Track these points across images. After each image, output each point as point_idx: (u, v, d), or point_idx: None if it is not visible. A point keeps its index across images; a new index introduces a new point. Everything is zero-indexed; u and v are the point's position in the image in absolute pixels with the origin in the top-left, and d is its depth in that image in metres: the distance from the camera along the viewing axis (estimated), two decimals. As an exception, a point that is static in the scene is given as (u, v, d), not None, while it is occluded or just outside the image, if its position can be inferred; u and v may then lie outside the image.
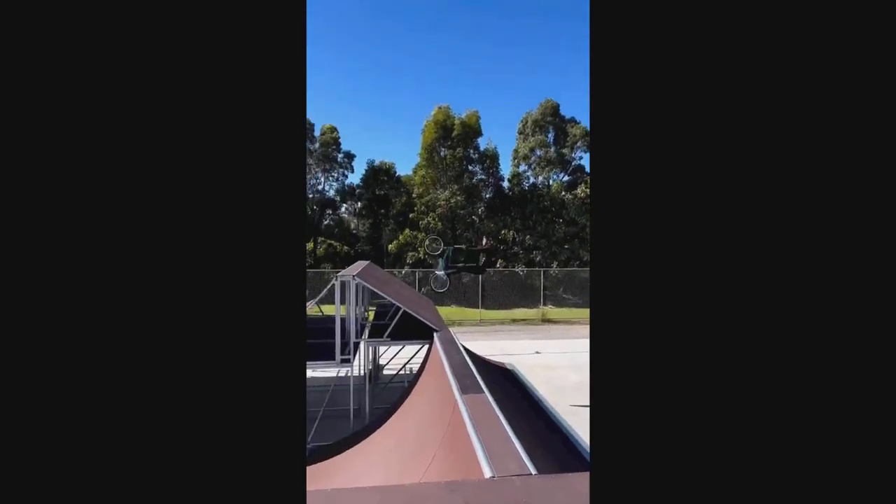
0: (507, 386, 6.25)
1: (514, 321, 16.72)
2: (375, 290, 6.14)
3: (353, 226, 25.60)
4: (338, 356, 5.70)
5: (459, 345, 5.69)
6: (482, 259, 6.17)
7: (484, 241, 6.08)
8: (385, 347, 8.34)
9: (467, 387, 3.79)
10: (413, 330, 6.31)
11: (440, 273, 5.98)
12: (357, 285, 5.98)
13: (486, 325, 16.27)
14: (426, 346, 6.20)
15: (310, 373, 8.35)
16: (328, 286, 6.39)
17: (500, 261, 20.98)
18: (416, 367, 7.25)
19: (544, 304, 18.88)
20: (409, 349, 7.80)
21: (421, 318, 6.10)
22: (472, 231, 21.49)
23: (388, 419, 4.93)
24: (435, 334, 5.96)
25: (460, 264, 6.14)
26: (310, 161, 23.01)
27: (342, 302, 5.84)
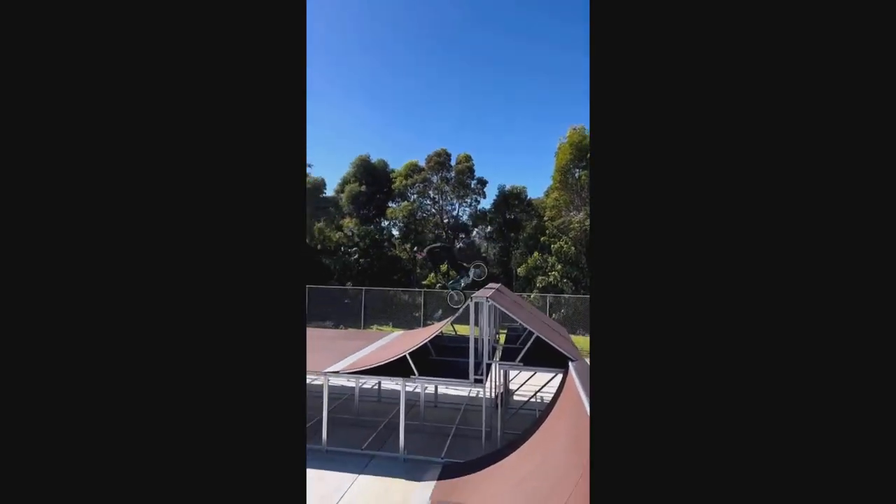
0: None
1: (661, 358, 14.80)
2: (508, 312, 6.16)
3: (483, 249, 26.30)
4: (471, 375, 5.85)
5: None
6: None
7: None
8: (516, 372, 8.24)
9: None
10: (546, 357, 6.11)
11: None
12: (490, 307, 6.10)
13: (625, 359, 14.76)
14: (559, 376, 5.93)
15: (443, 389, 8.72)
16: (463, 305, 6.68)
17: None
18: (546, 397, 6.97)
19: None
20: (540, 377, 7.55)
21: (555, 346, 5.88)
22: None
23: (520, 446, 4.82)
24: (570, 363, 5.67)
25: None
26: (446, 188, 24.66)
27: (476, 323, 6.02)
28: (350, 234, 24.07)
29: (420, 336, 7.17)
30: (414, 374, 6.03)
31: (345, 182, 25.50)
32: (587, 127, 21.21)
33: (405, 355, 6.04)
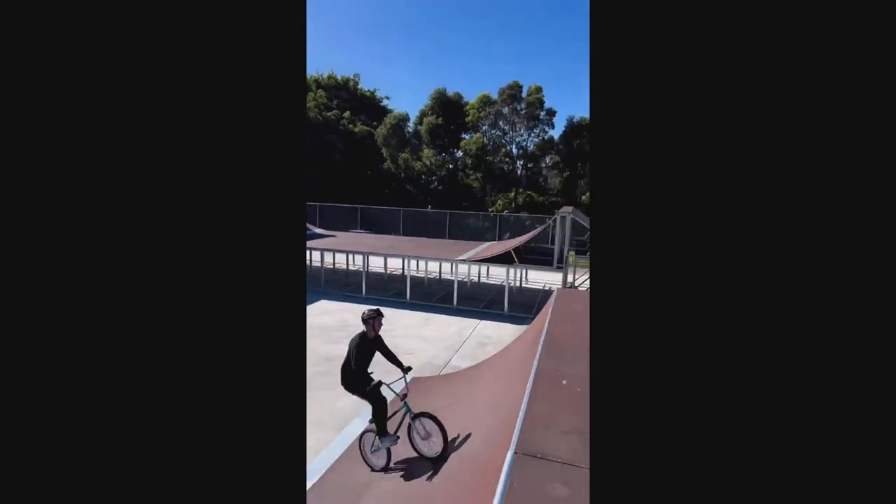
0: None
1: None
2: (583, 223, 8.96)
3: (549, 178, 28.15)
4: (555, 263, 8.88)
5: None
6: None
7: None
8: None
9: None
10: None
11: None
12: (570, 219, 8.92)
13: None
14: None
15: (524, 284, 11.94)
16: (546, 224, 9.56)
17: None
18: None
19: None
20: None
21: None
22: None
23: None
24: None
25: None
26: (516, 119, 26.18)
27: (559, 229, 8.88)
28: (429, 164, 26.95)
29: (512, 243, 10.21)
30: (515, 262, 9.16)
31: (423, 115, 27.73)
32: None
33: (510, 250, 9.13)
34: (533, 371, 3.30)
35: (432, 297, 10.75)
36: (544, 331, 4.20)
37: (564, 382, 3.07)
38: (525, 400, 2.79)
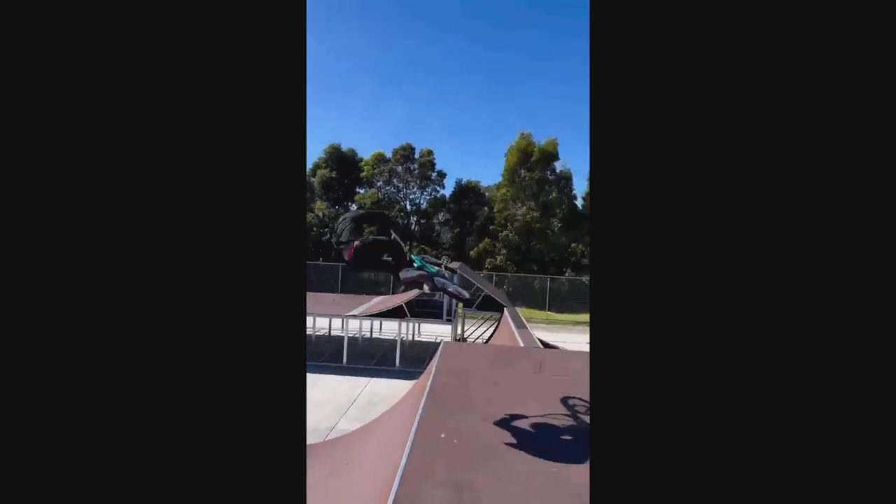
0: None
1: (577, 323, 19.15)
2: (470, 278, 9.68)
3: (441, 234, 29.70)
4: (444, 316, 9.31)
5: (521, 317, 8.92)
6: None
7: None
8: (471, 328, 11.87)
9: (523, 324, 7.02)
10: (490, 306, 9.71)
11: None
12: (458, 275, 9.56)
13: (551, 323, 18.96)
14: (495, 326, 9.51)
15: (417, 338, 12.15)
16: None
17: (568, 270, 23.45)
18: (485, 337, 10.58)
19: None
20: (480, 331, 11.19)
21: (497, 298, 9.47)
22: (546, 243, 24.24)
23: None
24: (505, 309, 9.28)
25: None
26: (409, 178, 27.63)
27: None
28: (321, 216, 26.46)
29: (405, 296, 10.48)
30: (407, 316, 9.35)
31: (316, 167, 27.52)
32: (533, 133, 25.04)
33: (402, 304, 9.32)
34: (414, 426, 3.40)
35: (320, 356, 10.23)
36: (428, 385, 4.36)
37: (443, 435, 3.23)
38: (404, 456, 2.86)
